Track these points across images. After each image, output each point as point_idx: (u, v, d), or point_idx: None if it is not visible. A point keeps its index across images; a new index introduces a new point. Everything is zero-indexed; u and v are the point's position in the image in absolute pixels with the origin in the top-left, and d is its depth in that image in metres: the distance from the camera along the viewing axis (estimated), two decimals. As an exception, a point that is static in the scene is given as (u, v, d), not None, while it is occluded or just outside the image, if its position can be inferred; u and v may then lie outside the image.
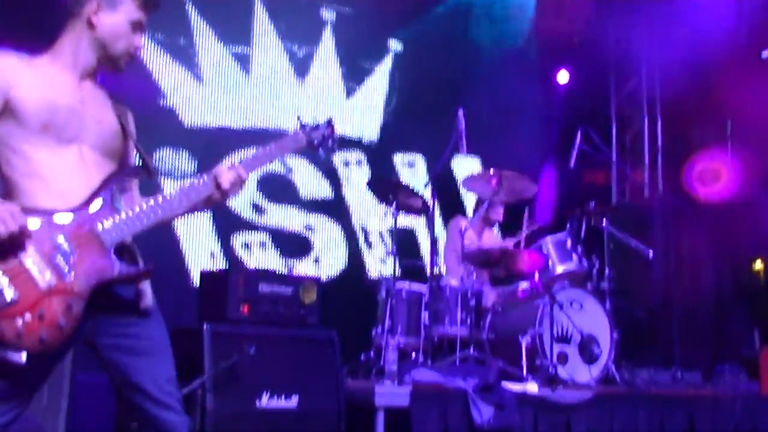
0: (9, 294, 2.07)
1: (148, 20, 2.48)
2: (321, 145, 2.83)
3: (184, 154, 6.49)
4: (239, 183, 2.52)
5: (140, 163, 2.51)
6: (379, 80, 7.74)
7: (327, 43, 7.42)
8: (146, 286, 2.43)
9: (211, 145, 6.60)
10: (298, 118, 2.81)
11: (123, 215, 2.28)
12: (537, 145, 7.96)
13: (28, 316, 2.08)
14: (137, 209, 2.31)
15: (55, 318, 2.11)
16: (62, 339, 2.14)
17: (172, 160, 6.44)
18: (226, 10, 6.72)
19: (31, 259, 2.12)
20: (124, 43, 2.42)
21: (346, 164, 7.47)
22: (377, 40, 7.74)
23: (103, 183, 2.31)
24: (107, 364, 2.35)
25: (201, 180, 2.46)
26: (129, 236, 2.31)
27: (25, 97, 2.24)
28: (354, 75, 7.58)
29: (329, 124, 2.90)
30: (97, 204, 2.27)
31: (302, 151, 2.82)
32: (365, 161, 7.56)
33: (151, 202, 2.36)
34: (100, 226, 2.23)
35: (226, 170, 2.49)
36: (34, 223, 2.15)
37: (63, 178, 2.27)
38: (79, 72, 2.38)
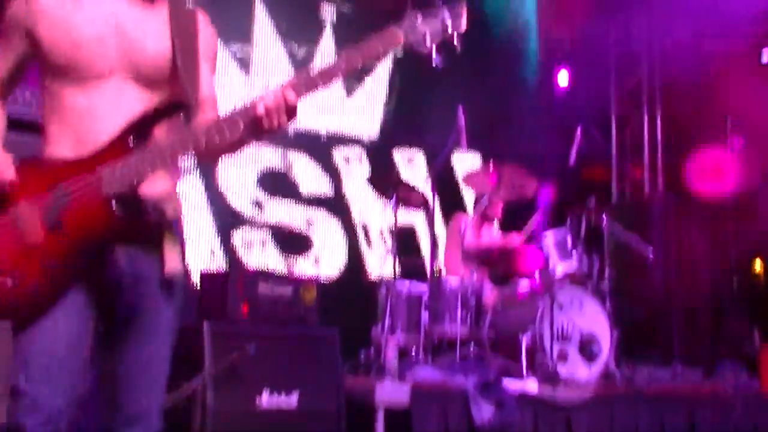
0: None
1: None
2: (437, 42, 1.85)
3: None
4: (283, 111, 1.92)
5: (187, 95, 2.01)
6: (379, 78, 7.73)
7: (327, 42, 7.41)
8: (169, 251, 1.95)
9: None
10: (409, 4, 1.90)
11: (135, 158, 1.85)
12: (537, 143, 7.96)
13: (9, 281, 1.81)
14: (151, 150, 1.87)
15: (31, 281, 1.81)
16: (38, 307, 1.83)
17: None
18: (225, 9, 6.71)
19: (19, 216, 1.84)
20: None
21: (347, 161, 7.47)
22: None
23: (129, 123, 1.89)
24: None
25: (239, 109, 1.95)
26: (137, 183, 1.86)
27: (43, 29, 1.93)
28: (353, 73, 7.56)
29: (455, 10, 1.87)
30: (114, 148, 1.87)
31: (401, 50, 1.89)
32: (365, 158, 7.57)
33: (167, 140, 1.91)
34: (105, 174, 1.84)
35: (265, 95, 1.93)
36: (33, 176, 1.87)
37: (92, 120, 1.92)
38: None
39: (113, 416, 1.94)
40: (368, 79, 7.67)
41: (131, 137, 1.87)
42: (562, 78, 8.78)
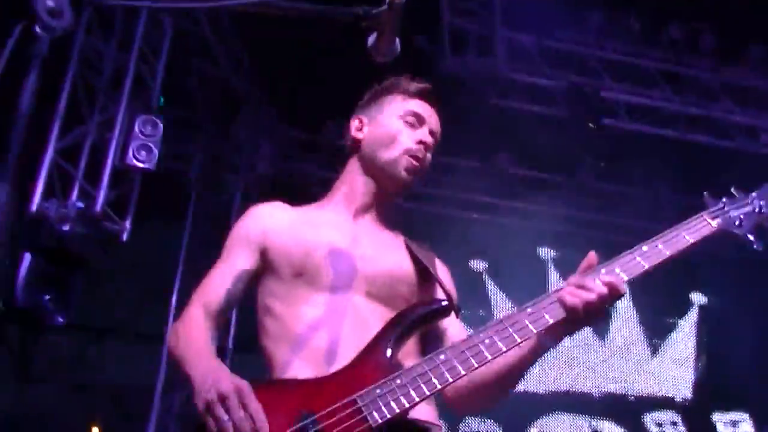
0: None
1: (430, 109, 1.98)
2: (752, 227, 1.77)
3: (489, 422, 6.54)
4: (609, 298, 1.63)
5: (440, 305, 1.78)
6: (684, 334, 7.38)
7: (625, 301, 7.33)
8: None
9: (515, 412, 6.58)
10: (705, 195, 1.83)
11: (400, 380, 1.58)
12: None
13: None
14: (422, 368, 1.59)
15: None
16: None
17: (478, 428, 6.50)
18: (520, 279, 6.98)
19: None
20: (396, 145, 1.89)
21: (659, 425, 7.00)
22: (678, 294, 7.51)
23: (377, 336, 1.66)
24: None
25: (535, 304, 1.68)
26: (404, 410, 1.56)
27: (277, 241, 1.83)
28: (657, 331, 7.33)
29: (764, 192, 1.82)
30: (364, 367, 1.61)
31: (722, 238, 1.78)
32: (680, 422, 7.03)
33: (445, 353, 1.62)
34: (363, 400, 1.55)
35: (577, 281, 1.65)
36: (271, 400, 1.54)
37: (323, 336, 1.71)
38: (353, 208, 1.90)
39: None
40: (672, 336, 7.36)
41: (388, 353, 1.62)
42: None
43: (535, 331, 1.63)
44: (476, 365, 1.60)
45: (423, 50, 5.88)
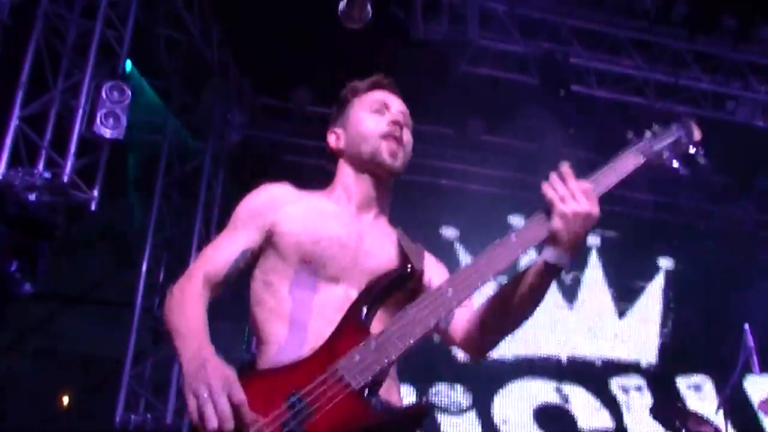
0: None
1: (391, 95, 2.11)
2: (677, 156, 1.94)
3: (458, 387, 6.59)
4: (583, 217, 1.71)
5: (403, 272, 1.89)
6: (651, 297, 7.49)
7: (594, 267, 7.41)
8: None
9: (484, 377, 6.65)
10: (632, 130, 1.96)
11: (374, 342, 1.69)
12: None
13: None
14: (394, 327, 1.70)
15: None
16: None
17: (448, 393, 6.56)
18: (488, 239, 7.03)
19: None
20: (372, 135, 2.01)
21: (625, 390, 7.10)
22: (646, 259, 7.60)
23: (350, 309, 1.77)
24: None
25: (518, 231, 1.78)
26: (385, 364, 1.68)
27: (288, 226, 1.90)
28: (624, 296, 7.42)
29: (684, 124, 1.97)
30: (342, 338, 1.72)
31: (650, 168, 1.89)
32: (645, 386, 7.15)
33: (412, 309, 1.73)
34: (343, 366, 1.66)
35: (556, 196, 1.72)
36: (259, 390, 1.63)
37: (319, 322, 1.81)
38: (356, 204, 2.01)
39: None
40: (639, 300, 7.45)
41: (363, 321, 1.74)
42: None
43: (492, 275, 1.74)
44: (443, 315, 1.72)
45: (396, 18, 5.82)
